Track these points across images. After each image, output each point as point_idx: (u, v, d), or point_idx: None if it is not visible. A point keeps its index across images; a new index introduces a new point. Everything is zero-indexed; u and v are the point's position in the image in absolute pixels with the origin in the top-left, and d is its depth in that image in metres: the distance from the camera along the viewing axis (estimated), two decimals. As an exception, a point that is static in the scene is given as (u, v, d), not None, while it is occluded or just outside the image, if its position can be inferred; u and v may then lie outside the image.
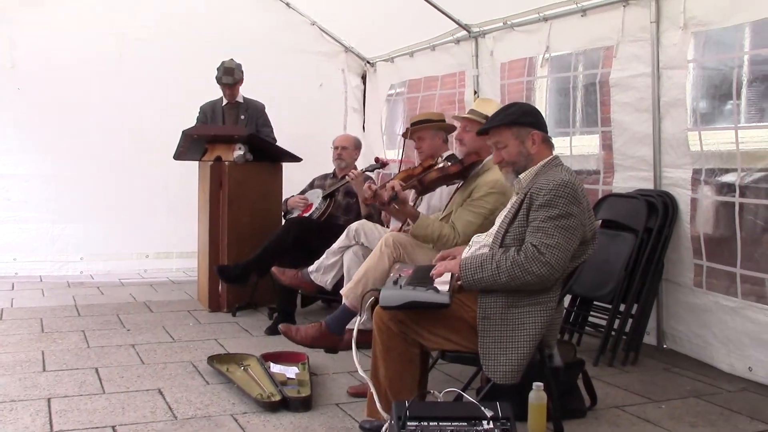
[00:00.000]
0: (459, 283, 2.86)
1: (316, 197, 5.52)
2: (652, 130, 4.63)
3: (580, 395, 3.55)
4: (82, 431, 3.20)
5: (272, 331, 4.98)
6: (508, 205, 3.00)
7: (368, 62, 8.03)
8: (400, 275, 2.95)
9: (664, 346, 4.71)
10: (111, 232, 7.00)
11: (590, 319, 4.80)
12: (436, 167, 4.17)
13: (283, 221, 5.72)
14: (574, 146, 5.42)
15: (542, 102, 5.91)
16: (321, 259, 4.73)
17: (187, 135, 5.61)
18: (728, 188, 4.31)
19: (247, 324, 5.27)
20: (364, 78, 8.13)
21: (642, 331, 4.50)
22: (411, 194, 4.46)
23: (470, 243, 3.10)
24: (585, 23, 5.13)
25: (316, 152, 6.58)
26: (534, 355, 2.80)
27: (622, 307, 4.48)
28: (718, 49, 4.40)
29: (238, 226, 5.58)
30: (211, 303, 5.63)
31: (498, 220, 2.99)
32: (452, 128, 4.58)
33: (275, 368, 3.96)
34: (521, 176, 2.95)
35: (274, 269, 4.93)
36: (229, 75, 6.11)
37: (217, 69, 6.15)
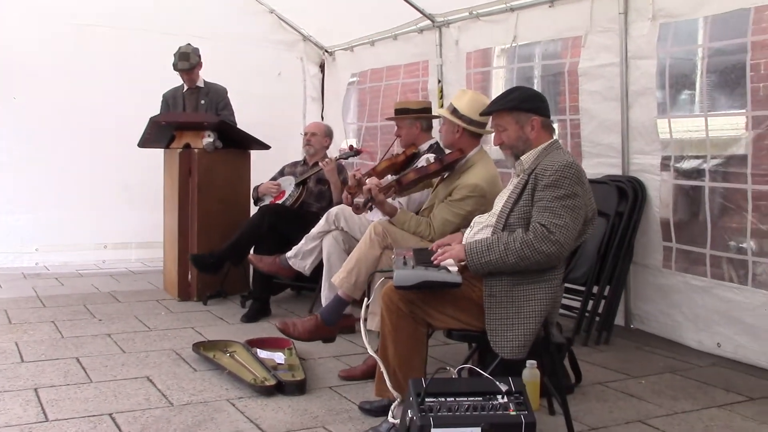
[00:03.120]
0: (463, 264, 2.92)
1: (288, 184, 5.50)
2: (621, 118, 4.79)
3: (567, 373, 3.67)
4: (78, 420, 3.14)
5: (249, 318, 4.99)
6: (510, 186, 3.06)
7: (326, 51, 8.02)
8: (405, 256, 2.99)
9: (632, 326, 4.88)
10: (67, 223, 6.82)
11: (564, 301, 4.93)
12: (414, 168, 4.18)
13: (254, 208, 5.69)
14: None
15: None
16: (299, 244, 4.74)
17: (154, 122, 5.52)
18: (698, 173, 4.50)
19: (220, 312, 5.23)
20: (322, 67, 8.12)
21: (614, 312, 4.66)
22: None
23: (471, 224, 3.16)
24: (553, 14, 5.25)
25: (277, 140, 6.49)
26: (539, 331, 2.89)
27: (595, 289, 4.64)
28: (686, 40, 4.58)
29: (208, 214, 5.53)
30: (180, 292, 5.56)
31: (499, 202, 3.05)
32: (430, 118, 4.63)
33: (263, 354, 3.97)
34: (522, 158, 3.02)
35: (251, 257, 4.93)
36: (185, 60, 5.98)
37: (174, 55, 6.04)
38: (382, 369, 2.87)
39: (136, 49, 6.83)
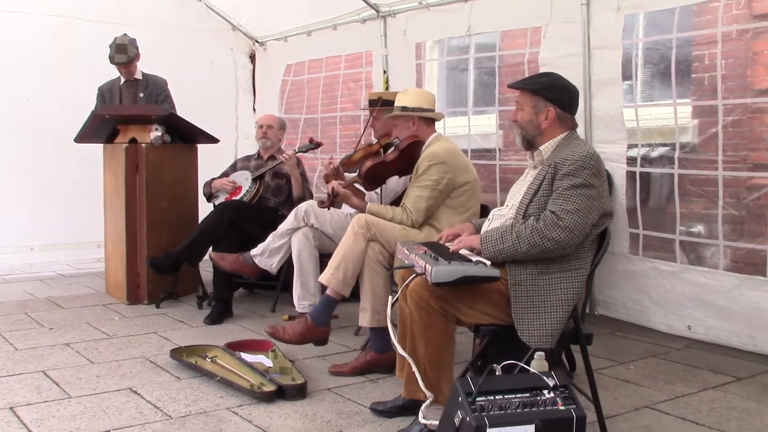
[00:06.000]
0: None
1: (243, 179, 5.26)
2: (584, 108, 4.83)
3: (564, 362, 3.67)
4: (74, 440, 2.88)
5: (213, 320, 4.75)
6: (529, 177, 3.01)
7: (257, 41, 7.76)
8: (426, 251, 2.89)
9: (596, 312, 4.96)
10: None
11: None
12: (371, 157, 4.17)
13: (203, 205, 5.44)
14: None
15: (467, 81, 5.92)
16: (266, 242, 4.56)
17: (96, 115, 5.16)
18: (667, 161, 4.60)
19: (178, 315, 4.95)
20: (252, 58, 7.85)
21: (586, 299, 4.71)
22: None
23: (489, 216, 3.09)
24: (509, 4, 5.25)
25: (211, 133, 6.25)
26: (568, 322, 2.86)
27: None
28: (652, 31, 4.65)
29: (157, 212, 5.24)
30: (129, 295, 5.24)
31: (517, 194, 3.00)
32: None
33: (249, 357, 3.77)
34: (541, 148, 2.98)
35: (213, 255, 4.71)
36: (122, 53, 5.60)
37: (110, 47, 5.65)
38: (414, 369, 2.76)
39: (60, 37, 6.42)
